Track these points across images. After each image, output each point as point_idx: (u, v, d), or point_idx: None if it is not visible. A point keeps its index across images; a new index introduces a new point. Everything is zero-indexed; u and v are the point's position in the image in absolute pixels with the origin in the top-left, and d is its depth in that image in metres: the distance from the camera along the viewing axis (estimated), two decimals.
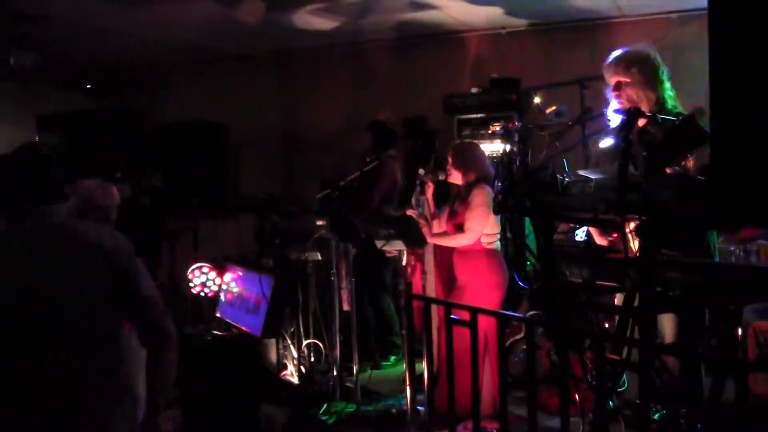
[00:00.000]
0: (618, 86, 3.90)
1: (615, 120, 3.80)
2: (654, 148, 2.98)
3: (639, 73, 3.86)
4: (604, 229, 3.70)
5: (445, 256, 5.44)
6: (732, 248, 4.72)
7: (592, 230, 3.90)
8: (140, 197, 7.45)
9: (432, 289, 5.56)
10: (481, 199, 5.09)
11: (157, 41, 8.26)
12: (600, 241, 3.83)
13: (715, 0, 2.19)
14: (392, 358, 6.99)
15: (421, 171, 5.69)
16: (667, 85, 3.89)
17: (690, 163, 3.23)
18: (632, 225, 2.98)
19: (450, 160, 5.35)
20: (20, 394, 2.55)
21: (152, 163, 7.95)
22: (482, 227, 5.10)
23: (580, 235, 3.93)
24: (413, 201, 5.72)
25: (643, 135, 3.40)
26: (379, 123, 7.25)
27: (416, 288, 5.64)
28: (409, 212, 5.54)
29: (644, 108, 3.76)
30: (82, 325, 2.65)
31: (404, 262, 5.44)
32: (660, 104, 3.81)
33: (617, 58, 3.92)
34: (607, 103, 4.03)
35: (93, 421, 2.63)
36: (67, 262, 2.67)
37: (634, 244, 2.99)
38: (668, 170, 2.99)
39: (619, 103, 3.89)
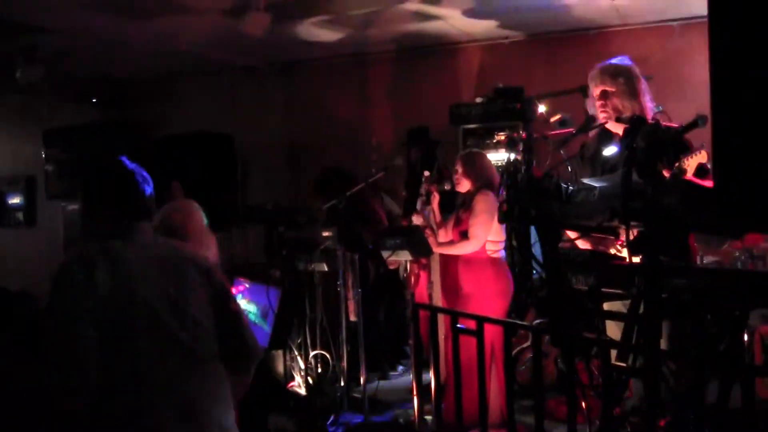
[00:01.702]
0: (604, 95, 3.95)
1: (616, 128, 3.83)
2: (638, 155, 3.00)
3: (625, 84, 3.93)
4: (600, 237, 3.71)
5: (449, 265, 5.44)
6: (737, 253, 4.73)
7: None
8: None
9: (438, 299, 5.57)
10: (485, 205, 5.10)
11: (164, 53, 8.31)
12: (584, 245, 3.84)
13: (715, 7, 2.20)
14: (400, 367, 7.00)
15: (426, 173, 5.70)
16: (648, 96, 3.98)
17: (687, 165, 3.24)
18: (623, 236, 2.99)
19: (459, 169, 5.36)
20: (138, 402, 2.53)
21: (172, 176, 7.95)
22: (487, 233, 5.11)
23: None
24: (418, 206, 5.74)
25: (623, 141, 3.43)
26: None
27: (420, 298, 5.65)
28: (415, 218, 5.55)
29: None
30: (198, 339, 2.67)
31: (408, 273, 5.47)
32: (642, 114, 3.84)
33: (603, 68, 4.00)
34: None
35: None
36: (179, 278, 2.69)
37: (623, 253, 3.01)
38: (666, 173, 3.01)
39: (604, 112, 3.95)
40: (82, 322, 2.45)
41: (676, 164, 3.08)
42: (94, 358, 2.44)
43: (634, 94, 3.93)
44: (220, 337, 2.78)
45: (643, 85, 3.97)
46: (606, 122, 4.02)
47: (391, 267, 5.64)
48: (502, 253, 5.22)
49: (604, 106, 3.94)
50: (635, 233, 2.97)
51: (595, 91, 4.00)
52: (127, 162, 2.82)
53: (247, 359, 2.93)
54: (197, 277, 2.75)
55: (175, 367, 2.60)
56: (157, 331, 2.58)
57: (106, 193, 2.75)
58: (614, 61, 4.07)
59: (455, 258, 5.31)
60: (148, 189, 2.82)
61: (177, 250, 2.83)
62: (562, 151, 3.97)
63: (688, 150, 3.13)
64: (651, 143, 2.97)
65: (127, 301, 2.55)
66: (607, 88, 3.94)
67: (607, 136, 4.02)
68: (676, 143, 3.02)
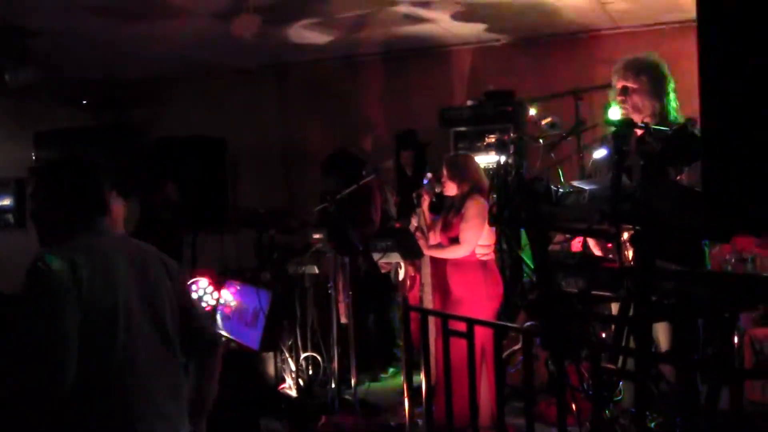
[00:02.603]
0: (624, 91, 3.84)
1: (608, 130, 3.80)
2: (652, 158, 2.99)
3: (648, 82, 3.81)
4: (599, 240, 3.71)
5: (441, 268, 5.45)
6: (727, 257, 4.74)
7: (590, 241, 3.90)
8: (156, 212, 7.45)
9: (429, 301, 5.57)
10: (476, 210, 5.11)
11: (155, 56, 8.30)
12: (597, 251, 3.85)
13: (704, 11, 2.21)
14: (390, 369, 7.00)
15: (429, 174, 5.70)
16: (672, 96, 3.85)
17: (684, 176, 3.25)
18: (626, 235, 3.00)
19: (444, 172, 5.37)
20: (112, 393, 2.53)
21: (166, 177, 7.93)
22: (477, 238, 5.12)
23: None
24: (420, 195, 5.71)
25: (640, 145, 3.42)
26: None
27: (415, 300, 5.65)
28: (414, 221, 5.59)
29: (646, 117, 3.75)
30: (167, 332, 2.70)
31: (401, 276, 5.45)
32: (662, 115, 3.79)
33: (628, 63, 3.87)
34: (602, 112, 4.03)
35: (169, 421, 2.66)
36: (146, 271, 2.70)
37: (629, 254, 3.01)
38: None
39: (623, 108, 3.84)
40: (64, 319, 2.40)
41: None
42: (74, 356, 2.39)
43: (657, 93, 3.81)
44: (183, 329, 2.80)
45: (671, 86, 3.83)
46: (593, 126, 4.00)
47: (383, 271, 5.62)
48: (491, 256, 5.23)
49: (624, 102, 3.83)
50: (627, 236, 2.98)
51: (617, 85, 3.88)
52: (84, 158, 2.77)
53: (213, 348, 2.96)
54: (161, 271, 2.76)
55: (150, 362, 2.61)
56: (133, 326, 2.57)
57: (67, 189, 2.67)
58: (643, 55, 3.92)
59: (445, 261, 5.32)
60: (105, 184, 2.75)
61: (140, 244, 2.83)
62: (552, 154, 3.98)
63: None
64: (669, 147, 2.95)
65: (107, 296, 2.52)
66: (629, 85, 3.82)
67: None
68: (695, 149, 2.96)
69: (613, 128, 3.07)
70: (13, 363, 2.41)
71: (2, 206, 10.83)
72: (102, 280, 2.52)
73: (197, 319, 2.92)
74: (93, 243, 2.60)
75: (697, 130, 2.79)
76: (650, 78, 3.82)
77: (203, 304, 6.41)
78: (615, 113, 3.89)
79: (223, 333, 5.97)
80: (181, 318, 2.79)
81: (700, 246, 3.63)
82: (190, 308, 2.89)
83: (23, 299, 2.45)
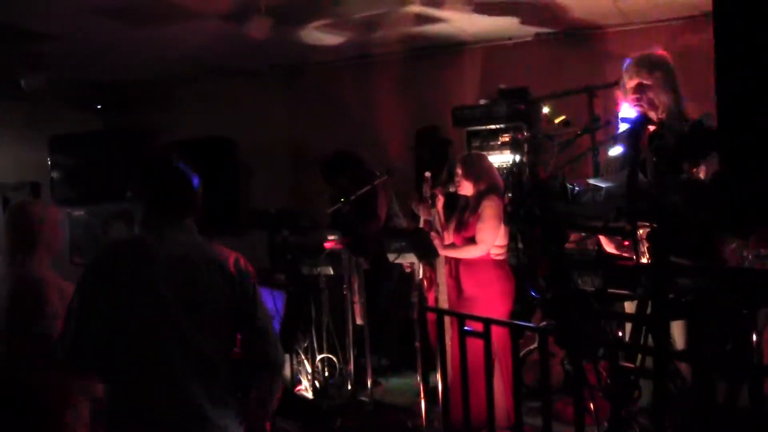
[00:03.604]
0: (640, 88, 3.82)
1: (623, 127, 3.78)
2: (665, 154, 2.97)
3: (662, 77, 3.81)
4: (614, 238, 3.69)
5: (452, 267, 5.43)
6: (744, 253, 4.69)
7: (602, 239, 3.88)
8: None
9: (444, 301, 5.55)
10: (493, 210, 5.09)
11: (166, 58, 8.32)
12: (610, 249, 3.83)
13: (720, 5, 2.19)
14: (406, 370, 6.98)
15: (427, 174, 5.70)
16: (679, 91, 3.85)
17: (701, 172, 3.23)
18: (641, 232, 2.98)
19: (459, 171, 5.36)
20: (140, 394, 2.67)
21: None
22: (494, 239, 5.10)
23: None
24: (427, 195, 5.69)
25: (653, 140, 3.39)
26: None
27: (433, 301, 5.64)
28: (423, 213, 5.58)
29: (662, 113, 3.74)
30: (207, 336, 2.74)
31: (420, 276, 5.45)
32: (672, 111, 3.78)
33: (642, 60, 3.86)
34: (617, 109, 3.99)
35: (204, 423, 2.69)
36: (198, 277, 2.77)
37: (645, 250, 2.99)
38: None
39: (638, 106, 3.80)
40: (94, 303, 2.67)
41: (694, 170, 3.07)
42: (98, 336, 2.65)
43: (671, 88, 3.81)
44: (241, 343, 2.83)
45: (677, 82, 3.82)
46: (608, 123, 3.99)
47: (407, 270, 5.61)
48: (505, 256, 5.22)
49: (639, 99, 3.80)
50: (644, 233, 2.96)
51: (630, 83, 3.85)
52: (174, 161, 2.99)
53: (265, 369, 2.92)
54: (220, 279, 2.80)
55: (180, 363, 2.66)
56: (166, 324, 2.66)
57: (148, 190, 2.92)
58: (653, 52, 3.92)
59: (458, 260, 5.30)
60: (191, 187, 2.99)
61: (205, 250, 2.90)
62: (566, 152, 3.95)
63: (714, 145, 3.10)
64: (685, 142, 2.93)
65: (144, 291, 2.68)
66: (644, 81, 3.81)
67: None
68: (710, 144, 2.95)
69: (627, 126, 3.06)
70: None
71: None
72: (140, 277, 2.70)
73: (258, 337, 2.88)
74: (149, 242, 2.79)
75: (712, 125, 2.77)
76: (663, 73, 3.82)
77: None
78: (627, 112, 3.87)
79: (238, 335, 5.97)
80: (240, 332, 2.85)
81: (713, 241, 3.60)
82: (251, 325, 2.86)
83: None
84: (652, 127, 3.43)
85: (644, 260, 3.27)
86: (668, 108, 3.78)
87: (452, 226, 5.42)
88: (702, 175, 3.21)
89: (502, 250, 5.17)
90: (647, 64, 3.84)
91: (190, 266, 2.77)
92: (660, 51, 3.96)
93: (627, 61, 3.93)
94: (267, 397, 2.93)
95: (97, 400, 3.08)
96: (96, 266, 2.79)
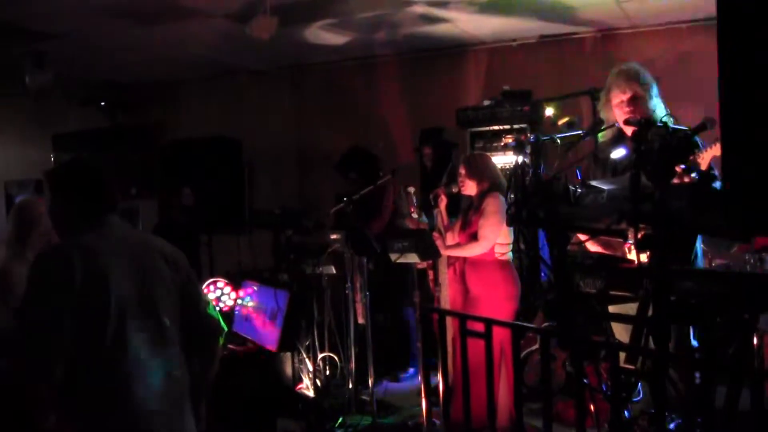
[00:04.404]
0: (634, 100, 3.91)
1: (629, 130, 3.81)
2: (649, 158, 2.99)
3: (651, 88, 3.92)
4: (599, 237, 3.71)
5: (457, 268, 5.44)
6: (746, 256, 4.70)
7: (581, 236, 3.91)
8: (173, 215, 7.51)
9: (446, 301, 5.56)
10: (495, 207, 5.11)
11: (171, 58, 8.34)
12: (594, 248, 3.84)
13: (724, 9, 2.20)
14: (410, 370, 7.00)
15: (411, 189, 5.73)
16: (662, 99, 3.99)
17: (702, 158, 3.25)
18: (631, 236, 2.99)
19: (463, 171, 5.37)
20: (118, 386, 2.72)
21: (182, 181, 7.99)
22: (496, 235, 5.11)
23: None
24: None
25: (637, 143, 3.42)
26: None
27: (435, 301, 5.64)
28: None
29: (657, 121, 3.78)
30: (163, 321, 2.86)
31: (430, 276, 5.48)
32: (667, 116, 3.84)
33: (632, 73, 3.96)
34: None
35: (168, 408, 2.82)
36: (144, 263, 2.87)
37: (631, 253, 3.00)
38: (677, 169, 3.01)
39: (633, 117, 3.87)
40: (57, 314, 2.61)
41: (691, 157, 3.08)
42: (65, 349, 2.61)
43: (658, 97, 3.94)
44: (184, 316, 2.97)
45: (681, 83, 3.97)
46: (613, 124, 4.02)
47: (419, 267, 5.64)
48: (509, 256, 5.22)
49: (633, 111, 3.89)
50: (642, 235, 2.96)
51: (623, 96, 3.94)
52: (89, 160, 3.00)
53: (214, 336, 3.12)
54: (164, 265, 2.93)
55: (144, 350, 2.76)
56: (126, 317, 2.73)
57: (75, 189, 2.88)
58: (637, 64, 4.04)
59: (464, 260, 5.31)
60: (111, 183, 2.96)
61: (145, 240, 3.04)
62: (570, 154, 3.96)
63: (695, 149, 3.14)
64: (664, 145, 2.96)
65: (99, 290, 2.70)
66: (638, 93, 3.91)
67: (622, 139, 3.99)
68: (687, 145, 3.01)
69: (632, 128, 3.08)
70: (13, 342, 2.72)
71: None
72: (94, 274, 2.69)
73: (199, 306, 3.07)
74: (93, 240, 2.80)
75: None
76: (651, 84, 3.95)
77: (221, 305, 6.43)
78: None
79: (241, 334, 5.98)
80: (183, 306, 2.96)
81: (690, 241, 3.62)
82: (193, 297, 3.04)
83: (26, 289, 2.72)
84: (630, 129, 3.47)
85: (632, 258, 3.30)
86: (662, 114, 3.85)
87: (458, 225, 5.43)
88: (704, 167, 3.22)
89: (506, 250, 5.18)
90: (638, 77, 3.94)
91: (138, 256, 2.88)
92: (637, 61, 4.09)
93: (616, 76, 4.00)
94: (214, 363, 3.14)
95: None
96: (47, 276, 2.71)
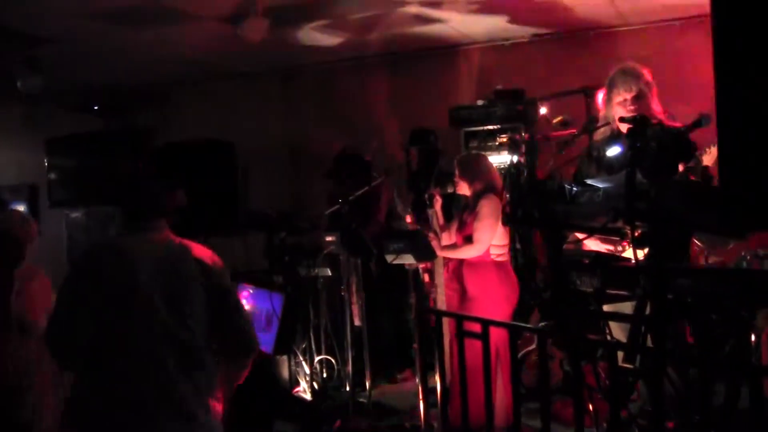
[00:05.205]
0: (638, 98, 3.94)
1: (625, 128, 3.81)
2: (638, 156, 2.99)
3: (651, 86, 3.96)
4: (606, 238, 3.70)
5: (454, 269, 5.42)
6: (743, 253, 4.70)
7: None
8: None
9: (443, 302, 5.54)
10: (490, 209, 5.08)
11: (164, 60, 8.31)
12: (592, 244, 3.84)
13: (718, 6, 2.19)
14: (406, 372, 6.97)
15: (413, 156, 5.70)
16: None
17: (709, 152, 3.25)
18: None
19: (456, 171, 5.36)
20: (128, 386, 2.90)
21: (176, 183, 7.95)
22: (491, 238, 5.09)
23: None
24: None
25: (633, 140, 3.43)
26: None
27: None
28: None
29: (655, 120, 3.78)
30: (187, 324, 2.98)
31: (426, 278, 5.45)
32: (664, 113, 3.86)
33: (634, 72, 3.99)
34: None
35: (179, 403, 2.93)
36: (176, 268, 3.04)
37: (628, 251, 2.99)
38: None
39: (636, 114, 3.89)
40: (79, 301, 2.98)
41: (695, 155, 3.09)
42: (82, 331, 2.94)
43: (655, 95, 3.98)
44: (218, 330, 3.08)
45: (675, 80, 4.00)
46: (608, 122, 4.01)
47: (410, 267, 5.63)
48: (506, 257, 5.21)
49: (636, 109, 3.89)
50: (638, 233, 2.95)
51: (627, 94, 3.96)
52: (140, 165, 3.24)
53: (244, 352, 3.24)
54: (197, 273, 3.05)
55: (164, 351, 2.90)
56: (150, 316, 2.92)
57: (119, 196, 3.24)
58: (630, 63, 4.06)
59: (461, 261, 5.29)
60: (158, 189, 3.22)
61: (181, 247, 3.14)
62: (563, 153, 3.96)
63: (694, 149, 3.13)
64: (662, 143, 2.96)
65: (126, 287, 2.95)
66: (643, 91, 3.94)
67: (617, 136, 3.99)
68: (683, 143, 3.01)
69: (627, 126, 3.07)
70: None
71: None
72: (122, 274, 2.98)
73: (233, 319, 3.15)
74: (127, 242, 3.11)
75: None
76: (650, 82, 3.98)
77: None
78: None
79: None
80: (216, 316, 3.07)
81: (685, 239, 3.62)
82: (227, 312, 3.13)
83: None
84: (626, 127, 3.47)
85: (626, 255, 3.30)
86: (659, 112, 3.86)
87: (454, 226, 5.41)
88: (710, 164, 3.23)
89: (502, 251, 5.16)
90: (640, 75, 3.97)
91: (170, 261, 3.04)
92: (631, 59, 4.13)
93: (619, 74, 4.00)
94: (240, 374, 3.28)
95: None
96: (80, 265, 3.14)
